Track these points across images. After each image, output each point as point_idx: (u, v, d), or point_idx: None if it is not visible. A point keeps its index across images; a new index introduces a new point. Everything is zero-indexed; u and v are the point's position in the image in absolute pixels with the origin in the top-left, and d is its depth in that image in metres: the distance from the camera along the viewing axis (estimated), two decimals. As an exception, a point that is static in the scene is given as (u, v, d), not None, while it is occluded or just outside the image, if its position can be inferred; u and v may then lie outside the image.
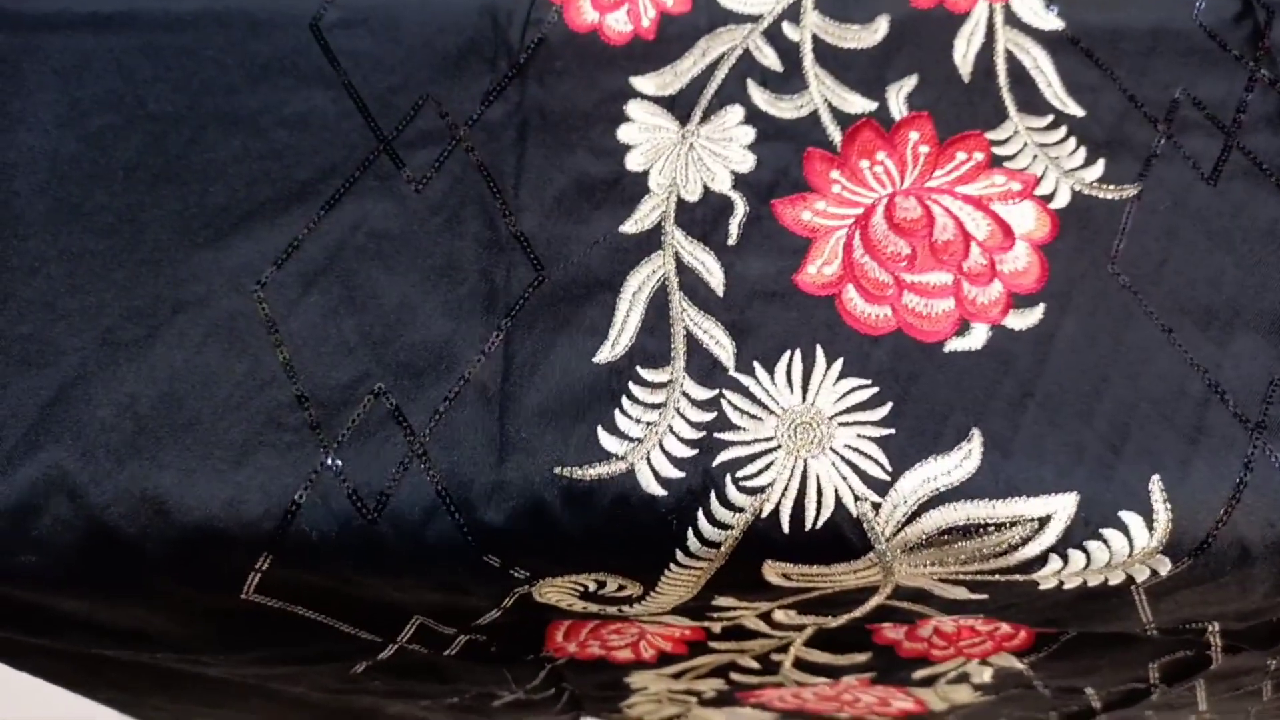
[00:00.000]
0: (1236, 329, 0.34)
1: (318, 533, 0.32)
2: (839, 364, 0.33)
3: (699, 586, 0.34)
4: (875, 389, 0.33)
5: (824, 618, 0.39)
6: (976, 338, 0.34)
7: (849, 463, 0.32)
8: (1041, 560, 0.32)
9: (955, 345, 0.34)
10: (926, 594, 0.35)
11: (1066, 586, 0.33)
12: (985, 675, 0.48)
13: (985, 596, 0.35)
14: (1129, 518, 0.31)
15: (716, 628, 0.42)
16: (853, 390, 0.33)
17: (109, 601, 0.36)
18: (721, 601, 0.36)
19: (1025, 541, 0.31)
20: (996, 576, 0.33)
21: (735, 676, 0.49)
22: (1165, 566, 0.32)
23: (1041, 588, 0.33)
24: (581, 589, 0.35)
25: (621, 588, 0.34)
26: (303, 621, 0.37)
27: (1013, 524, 0.31)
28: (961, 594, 0.35)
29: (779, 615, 0.39)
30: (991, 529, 0.31)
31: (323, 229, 0.36)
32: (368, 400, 0.33)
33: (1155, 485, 0.31)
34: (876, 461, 0.32)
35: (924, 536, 0.31)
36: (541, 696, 0.53)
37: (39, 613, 0.37)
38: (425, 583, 0.34)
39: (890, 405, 0.33)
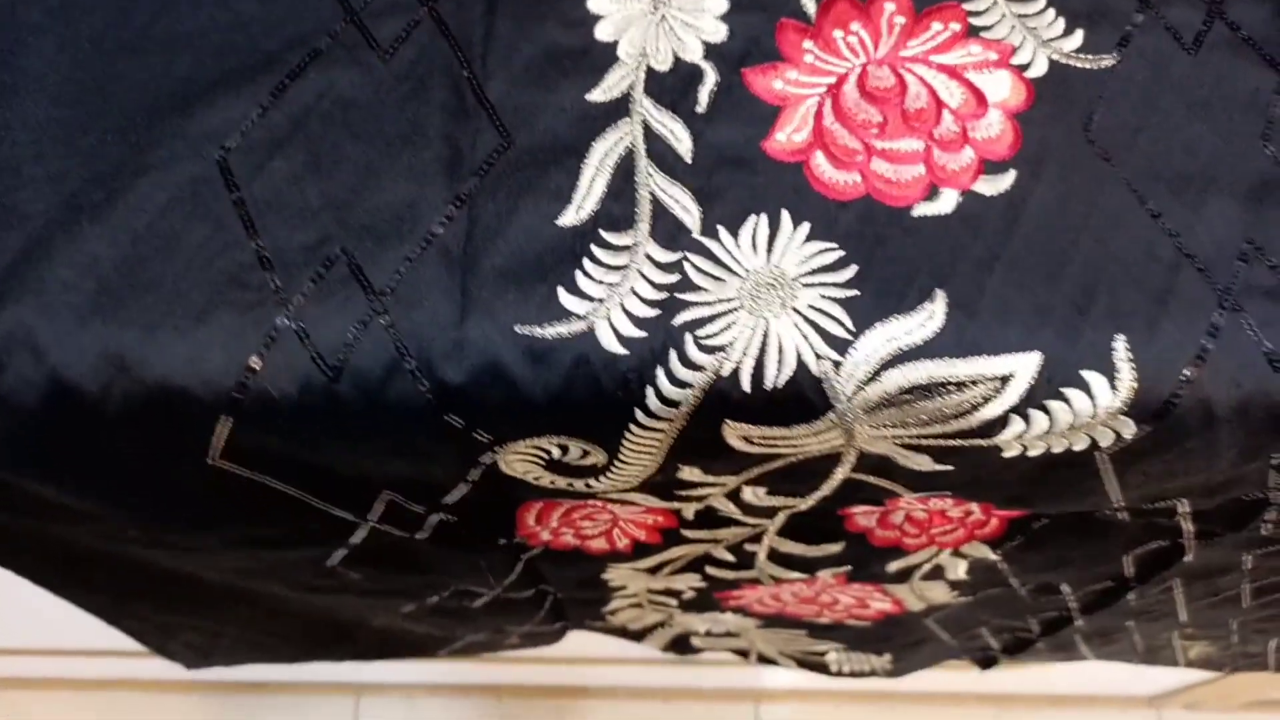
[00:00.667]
0: (1210, 195, 0.34)
1: (279, 391, 0.32)
2: (805, 228, 0.33)
3: (662, 454, 0.34)
4: (841, 252, 0.33)
5: (792, 498, 0.39)
6: (946, 202, 0.34)
7: (811, 322, 0.32)
8: (1003, 421, 0.32)
9: (924, 210, 0.33)
10: (892, 465, 0.35)
11: (1031, 454, 0.33)
12: (960, 570, 0.48)
13: (950, 468, 0.35)
14: (1092, 377, 0.31)
15: (688, 512, 0.42)
16: (818, 253, 0.33)
17: (74, 473, 0.36)
18: (687, 474, 0.37)
19: (987, 400, 0.31)
20: (959, 441, 0.33)
21: (711, 571, 0.49)
22: (1129, 429, 0.32)
23: (1005, 455, 0.33)
24: (545, 456, 0.35)
25: (585, 454, 0.34)
26: (272, 495, 0.37)
27: (974, 383, 0.31)
28: (926, 464, 0.35)
29: (748, 495, 0.39)
30: (953, 388, 0.31)
31: (288, 98, 0.36)
32: (329, 261, 0.33)
33: (1120, 345, 0.31)
34: (839, 321, 0.32)
35: (885, 396, 0.31)
36: (521, 596, 0.54)
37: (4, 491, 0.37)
38: (388, 447, 0.34)
39: (855, 268, 0.32)
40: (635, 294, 0.32)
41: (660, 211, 0.33)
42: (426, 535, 0.42)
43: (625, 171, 0.34)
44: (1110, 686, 1.17)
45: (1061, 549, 0.44)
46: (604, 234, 0.33)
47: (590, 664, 1.15)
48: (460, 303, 0.32)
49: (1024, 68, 0.36)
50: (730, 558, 0.48)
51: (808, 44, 0.36)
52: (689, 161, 0.34)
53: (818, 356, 0.31)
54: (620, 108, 0.35)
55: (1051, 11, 0.36)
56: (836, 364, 0.31)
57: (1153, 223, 0.33)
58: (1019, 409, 0.31)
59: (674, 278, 0.32)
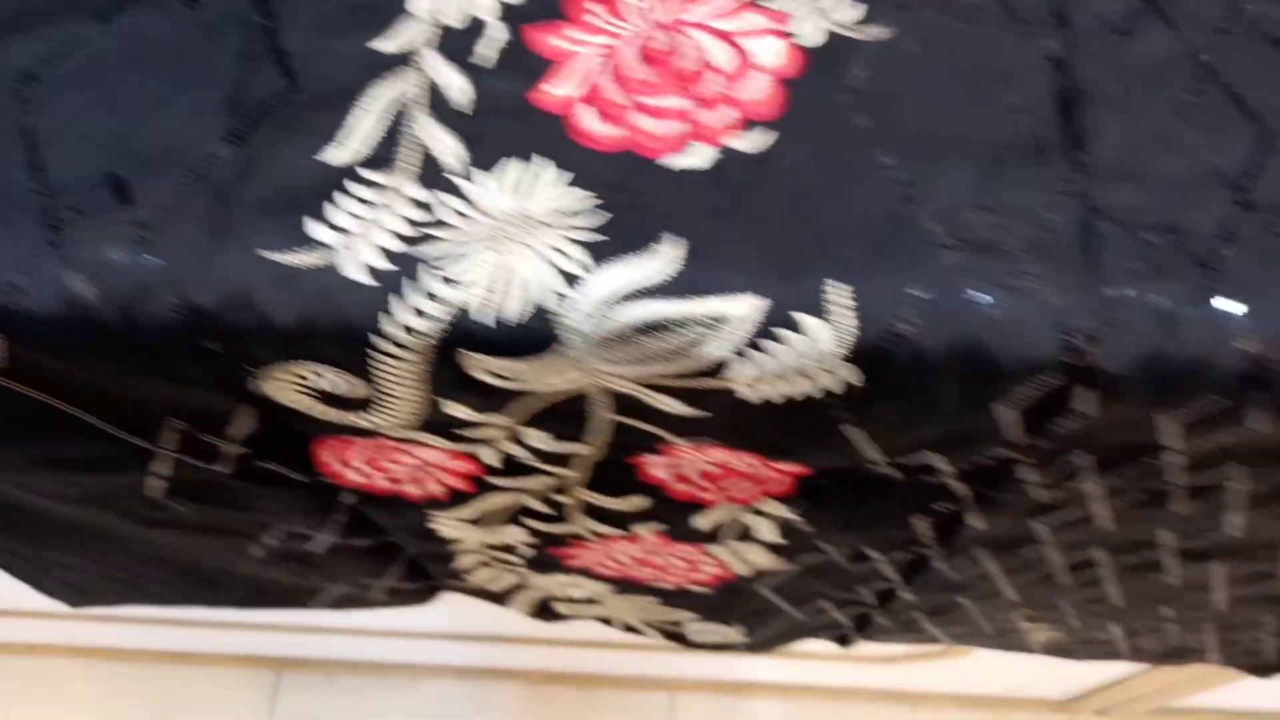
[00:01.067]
0: (951, 158, 0.35)
1: (43, 310, 0.33)
2: (561, 175, 0.35)
3: (419, 387, 0.36)
4: (591, 198, 0.34)
5: (574, 443, 0.41)
6: (701, 157, 0.35)
7: (550, 262, 0.33)
8: (728, 362, 0.33)
9: (680, 163, 0.35)
10: (646, 408, 0.37)
11: (771, 399, 0.35)
12: (769, 531, 0.49)
13: (704, 413, 0.37)
14: (808, 321, 0.33)
15: (489, 457, 0.43)
16: (569, 199, 0.34)
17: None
18: (456, 412, 0.38)
19: (709, 340, 0.33)
20: (695, 382, 0.34)
21: (533, 525, 0.51)
22: (852, 375, 0.34)
23: (748, 399, 0.35)
24: (309, 386, 0.36)
25: (346, 385, 0.36)
26: (64, 416, 0.39)
27: (698, 323, 0.33)
28: (678, 407, 0.36)
29: (533, 440, 0.41)
30: (678, 327, 0.33)
31: (91, 37, 0.38)
32: (101, 188, 0.34)
33: (837, 291, 0.33)
34: (576, 261, 0.33)
35: (615, 333, 0.33)
36: (361, 544, 0.55)
37: None
38: (152, 370, 0.36)
39: (602, 214, 0.34)
40: (384, 227, 0.34)
41: (425, 155, 0.35)
42: (229, 469, 0.43)
43: (398, 116, 0.36)
44: (1023, 689, 1.18)
45: (849, 508, 0.46)
46: (365, 172, 0.35)
47: (509, 643, 1.16)
48: (216, 231, 0.34)
49: (798, 36, 0.37)
50: (546, 509, 0.49)
51: (592, 5, 0.38)
52: (461, 110, 0.36)
53: (553, 293, 0.33)
54: (406, 58, 0.37)
55: (831, -18, 0.38)
56: (569, 300, 0.33)
57: (893, 182, 0.35)
58: (741, 350, 0.33)
59: (426, 216, 0.34)
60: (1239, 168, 0.35)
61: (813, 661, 1.09)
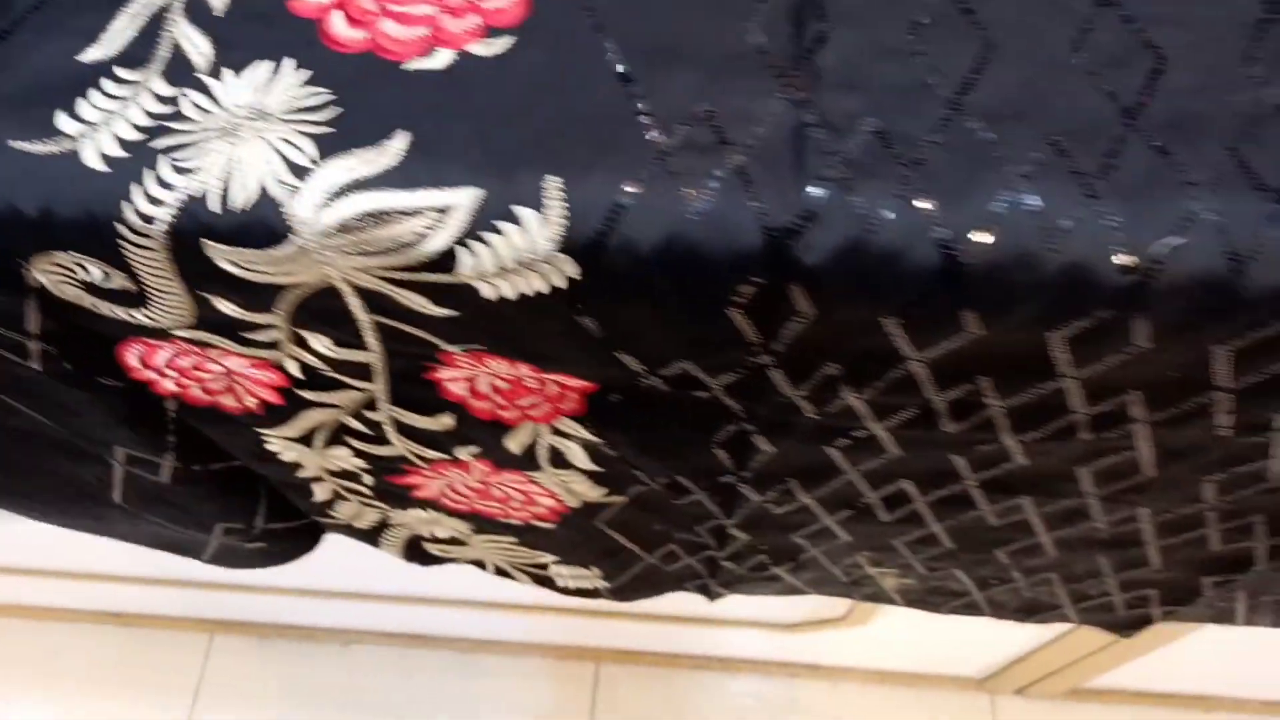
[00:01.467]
0: (681, 65, 0.36)
1: None
2: (302, 74, 0.36)
3: (175, 279, 0.37)
4: (328, 96, 0.36)
5: (354, 349, 0.42)
6: (439, 60, 0.37)
7: (279, 153, 0.35)
8: (450, 253, 0.35)
9: (417, 65, 0.37)
10: (398, 306, 0.38)
11: (505, 294, 0.36)
12: (579, 455, 0.51)
13: (453, 311, 0.38)
14: (525, 213, 0.34)
15: (289, 366, 0.45)
16: (306, 96, 0.36)
17: None
18: (225, 308, 0.40)
19: (431, 231, 0.34)
20: (429, 275, 0.36)
21: (358, 445, 0.52)
22: (570, 268, 0.35)
23: (482, 294, 0.36)
24: (74, 277, 0.38)
25: (108, 276, 0.38)
26: None
27: (417, 213, 0.34)
28: (424, 303, 0.38)
29: (317, 345, 0.42)
30: (399, 216, 0.34)
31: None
32: None
33: (553, 185, 0.34)
34: (305, 153, 0.35)
35: (340, 222, 0.34)
36: (211, 469, 0.56)
37: None
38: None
39: (337, 110, 0.36)
40: (127, 119, 0.35)
41: (177, 54, 0.37)
42: (38, 366, 0.45)
43: (158, 19, 0.37)
44: (942, 665, 1.19)
45: (643, 429, 0.47)
46: (117, 69, 0.36)
47: (439, 606, 1.17)
48: (-35, 120, 0.35)
49: (549, -48, 0.39)
50: (363, 428, 0.50)
51: (360, -80, 0.40)
52: (219, 14, 0.38)
53: (279, 182, 0.34)
54: (169, -35, 0.39)
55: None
56: (295, 189, 0.34)
57: (621, 86, 0.36)
58: (461, 240, 0.34)
59: (168, 109, 0.36)
60: (958, 77, 0.36)
61: (728, 629, 1.10)
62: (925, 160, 0.35)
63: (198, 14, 0.38)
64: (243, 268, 0.36)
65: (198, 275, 0.37)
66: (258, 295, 0.38)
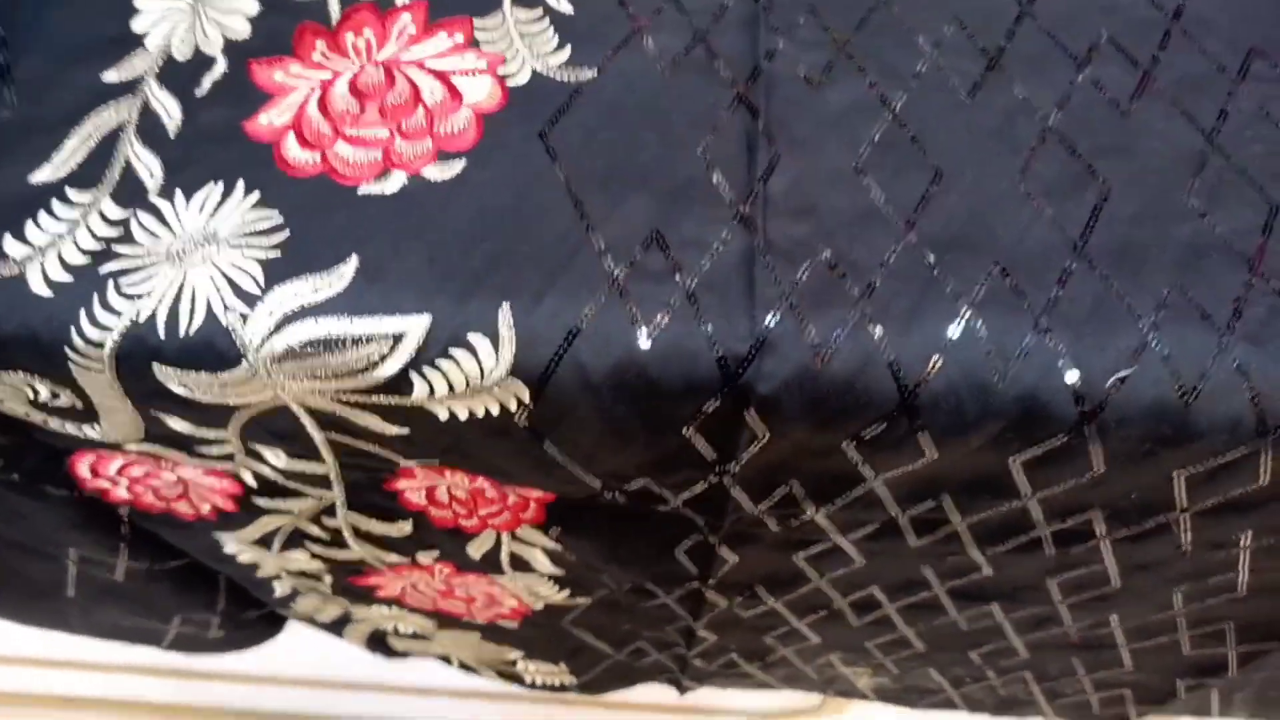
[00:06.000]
0: (634, 193, 0.37)
1: None
2: (254, 196, 0.36)
3: (122, 398, 0.37)
4: (278, 219, 0.36)
5: (310, 461, 0.42)
6: (392, 183, 0.37)
7: (227, 277, 0.34)
8: (405, 379, 0.34)
9: (370, 189, 0.37)
10: (353, 425, 0.37)
11: (459, 416, 0.36)
12: (542, 562, 0.50)
13: (404, 429, 0.37)
14: (477, 340, 0.34)
15: (245, 475, 0.44)
16: (257, 220, 0.36)
17: None
18: (176, 425, 0.39)
19: (383, 358, 0.34)
20: (382, 398, 0.35)
21: (317, 550, 0.51)
22: (524, 392, 0.34)
23: (438, 416, 0.36)
24: (23, 395, 0.37)
25: (56, 395, 0.37)
26: None
27: (369, 340, 0.34)
28: (380, 424, 0.37)
29: (272, 458, 0.42)
30: (349, 344, 0.34)
31: None
32: None
33: (504, 312, 0.34)
34: (253, 278, 0.34)
35: (289, 348, 0.34)
36: (167, 567, 0.55)
37: None
38: None
39: (286, 234, 0.35)
40: (75, 243, 0.35)
41: (128, 175, 0.37)
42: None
43: (111, 141, 0.37)
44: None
45: (605, 538, 0.46)
46: (69, 190, 0.36)
47: (428, 695, 1.14)
48: (-87, 242, 0.35)
49: (508, 76, 0.39)
50: (321, 533, 0.49)
51: (320, 43, 0.40)
52: (172, 136, 0.38)
53: (226, 308, 0.34)
54: (128, 88, 0.39)
55: (551, 30, 0.40)
56: (244, 316, 0.34)
57: (573, 212, 0.36)
58: (414, 366, 0.34)
59: (117, 232, 0.35)
60: (907, 205, 0.36)
61: (700, 718, 1.07)
62: (876, 288, 0.35)
63: (149, 134, 0.37)
64: (193, 390, 0.36)
65: (147, 394, 0.36)
66: (208, 414, 0.38)
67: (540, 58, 0.40)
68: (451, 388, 0.34)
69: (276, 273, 0.35)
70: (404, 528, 0.48)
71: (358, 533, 0.49)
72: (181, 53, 0.40)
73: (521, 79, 0.39)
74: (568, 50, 0.40)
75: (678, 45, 0.40)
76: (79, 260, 0.35)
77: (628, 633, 0.59)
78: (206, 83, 0.39)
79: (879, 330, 0.34)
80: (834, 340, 0.34)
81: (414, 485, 0.44)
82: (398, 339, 0.34)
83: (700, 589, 0.50)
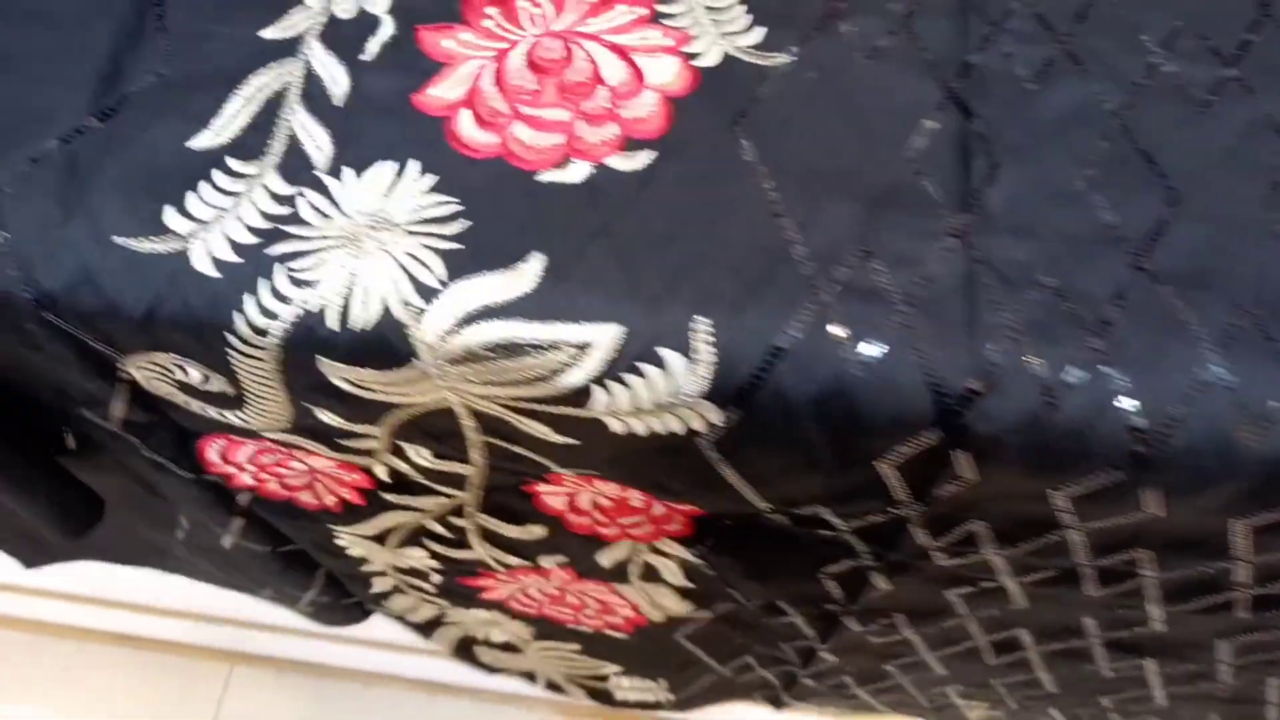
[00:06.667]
0: (837, 196, 0.33)
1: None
2: (429, 179, 0.33)
3: (280, 387, 0.34)
4: (457, 206, 0.33)
5: (456, 462, 0.39)
6: (575, 173, 0.34)
7: (404, 269, 0.32)
8: (586, 390, 0.31)
9: (551, 176, 0.33)
10: (517, 431, 0.35)
11: (636, 431, 0.33)
12: (673, 572, 0.47)
13: (574, 440, 0.35)
14: (670, 355, 0.31)
15: (378, 471, 0.41)
16: (432, 204, 0.33)
17: None
18: (326, 418, 0.37)
19: (566, 367, 0.31)
20: (557, 408, 0.33)
21: (435, 548, 0.49)
22: (714, 414, 0.31)
23: (612, 429, 0.33)
24: (172, 377, 0.35)
25: (208, 379, 0.35)
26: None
27: (553, 347, 0.31)
28: (547, 433, 0.34)
29: (414, 455, 0.39)
30: (532, 350, 0.31)
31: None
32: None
33: (701, 326, 0.31)
34: (432, 271, 0.32)
35: (467, 350, 0.31)
36: (262, 550, 0.53)
37: None
38: (19, 342, 0.35)
39: (466, 223, 0.32)
40: (240, 220, 0.32)
41: (293, 146, 0.34)
42: (114, 448, 0.42)
43: (273, 106, 0.35)
44: None
45: (752, 556, 0.43)
46: (230, 160, 0.34)
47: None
48: (69, 207, 0.33)
49: (695, 56, 0.36)
50: (445, 532, 0.47)
51: (490, 10, 0.37)
52: (338, 105, 0.35)
53: (404, 303, 0.31)
54: (289, 47, 0.36)
55: (740, 8, 0.37)
56: (420, 312, 0.31)
57: (770, 214, 0.33)
58: (599, 379, 0.31)
59: (285, 210, 0.33)
60: (1139, 231, 0.33)
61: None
62: (1110, 324, 0.31)
63: (314, 101, 0.35)
64: (358, 386, 0.33)
65: (306, 388, 0.34)
66: (365, 409, 0.35)
67: (730, 38, 0.36)
68: (635, 403, 0.32)
69: (456, 266, 0.32)
70: (535, 531, 0.46)
71: (485, 534, 0.47)
72: (344, 11, 0.37)
73: (710, 60, 0.36)
74: (761, 32, 0.36)
75: (878, 31, 0.36)
76: (246, 239, 0.32)
77: (739, 646, 0.57)
78: (373, 47, 0.36)
79: (1114, 373, 0.30)
80: (1064, 382, 0.30)
81: (556, 491, 0.42)
82: (584, 348, 0.31)
83: (838, 613, 0.47)
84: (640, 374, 0.31)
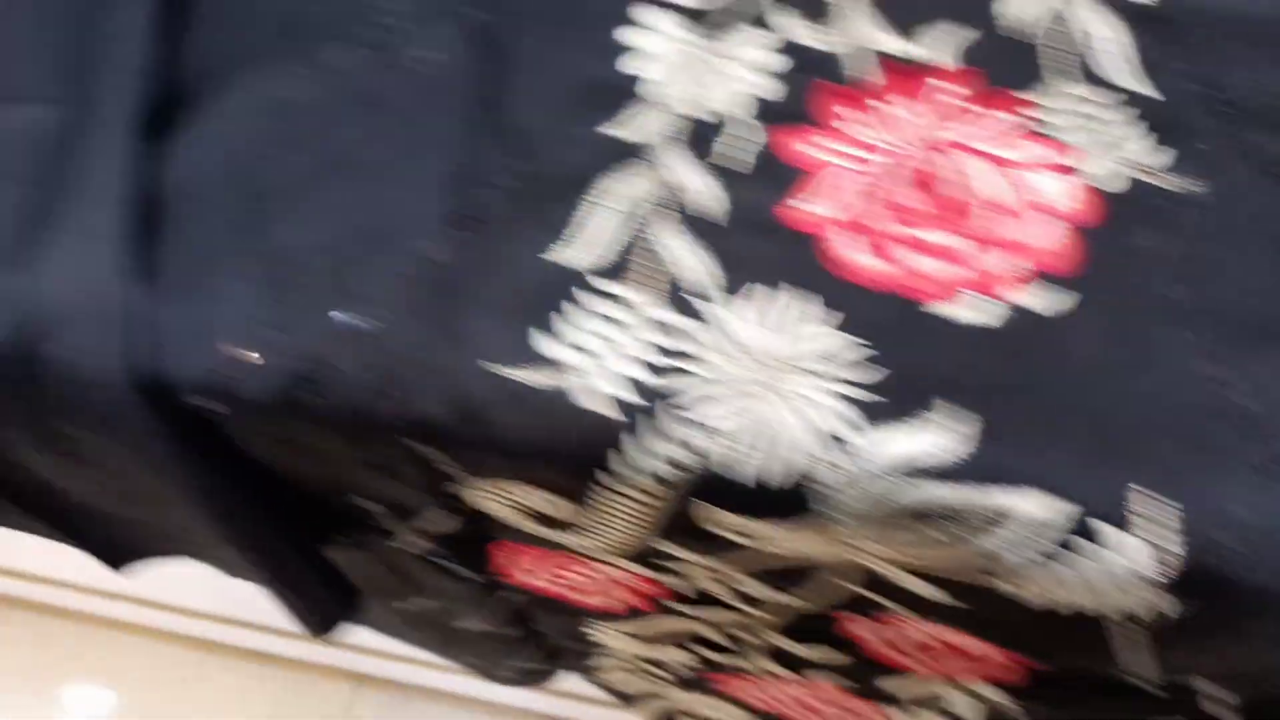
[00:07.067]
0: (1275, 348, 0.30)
1: (254, 390, 0.31)
2: (835, 316, 0.30)
3: (639, 525, 0.32)
4: (859, 344, 0.30)
5: (780, 593, 0.36)
6: (989, 311, 0.30)
7: (811, 417, 0.29)
8: (1007, 561, 0.28)
9: (961, 314, 0.30)
10: (895, 586, 0.32)
11: (1057, 609, 0.29)
12: (967, 708, 0.43)
13: (964, 605, 0.31)
14: (1114, 533, 0.27)
15: (682, 587, 0.39)
16: (837, 345, 0.30)
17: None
18: (667, 549, 0.34)
19: (992, 534, 0.28)
20: (962, 575, 0.29)
21: (701, 651, 0.46)
22: (1166, 603, 0.28)
23: (1021, 599, 0.30)
24: (509, 498, 0.33)
25: (557, 507, 0.32)
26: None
27: (980, 513, 0.28)
28: (933, 592, 0.31)
29: (743, 587, 0.36)
30: (962, 516, 0.28)
31: (307, 83, 0.34)
32: (316, 264, 0.31)
33: (1152, 501, 0.28)
34: (849, 423, 0.28)
35: (887, 513, 0.28)
36: (508, 633, 0.51)
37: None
38: (364, 460, 0.33)
39: (872, 366, 0.29)
40: (627, 354, 0.30)
41: (669, 270, 0.31)
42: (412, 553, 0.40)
43: (629, 215, 0.32)
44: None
45: (1077, 708, 0.40)
46: (595, 280, 0.31)
47: (588, 703, 1.11)
48: (434, 324, 0.30)
49: (1095, 178, 0.32)
50: (722, 641, 0.44)
51: (844, 110, 0.33)
52: (711, 220, 0.32)
53: (812, 456, 0.28)
54: (640, 149, 0.33)
55: (1139, 122, 0.33)
56: (841, 471, 0.28)
57: (1216, 371, 0.29)
58: (1025, 552, 0.28)
59: (667, 339, 0.30)
60: None
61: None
62: None
63: (673, 211, 0.31)
64: (737, 533, 0.31)
65: (672, 528, 0.31)
66: (729, 550, 0.32)
67: (1126, 155, 0.33)
68: (1061, 582, 0.28)
69: (875, 416, 0.28)
70: (825, 653, 0.42)
71: (770, 650, 0.44)
72: (693, 108, 0.33)
73: (1116, 185, 0.32)
74: (1167, 154, 0.33)
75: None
76: (626, 370, 0.29)
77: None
78: (726, 150, 0.33)
79: None
80: None
81: (876, 625, 0.39)
82: (1012, 516, 0.28)
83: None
84: (1076, 550, 0.28)
